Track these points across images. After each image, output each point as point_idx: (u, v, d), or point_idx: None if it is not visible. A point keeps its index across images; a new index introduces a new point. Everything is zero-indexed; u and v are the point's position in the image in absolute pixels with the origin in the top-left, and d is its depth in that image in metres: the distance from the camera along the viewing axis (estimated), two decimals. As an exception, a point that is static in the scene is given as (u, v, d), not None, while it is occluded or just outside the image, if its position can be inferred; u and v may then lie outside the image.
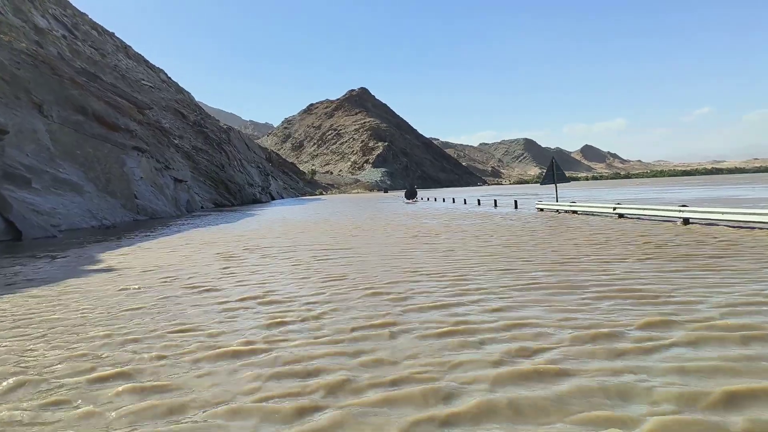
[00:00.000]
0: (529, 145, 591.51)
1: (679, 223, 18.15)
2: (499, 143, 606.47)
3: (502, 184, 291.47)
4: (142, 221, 36.44)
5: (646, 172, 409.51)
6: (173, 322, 7.37)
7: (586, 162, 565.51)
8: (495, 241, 15.96)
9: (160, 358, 5.76)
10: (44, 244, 21.45)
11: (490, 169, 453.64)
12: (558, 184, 30.93)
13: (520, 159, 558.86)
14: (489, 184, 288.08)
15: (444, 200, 58.60)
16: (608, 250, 12.76)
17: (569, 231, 17.94)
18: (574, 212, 26.89)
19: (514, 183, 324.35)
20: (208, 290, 9.85)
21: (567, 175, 32.09)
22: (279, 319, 7.28)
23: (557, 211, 28.85)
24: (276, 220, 33.69)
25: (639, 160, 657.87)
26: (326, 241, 18.34)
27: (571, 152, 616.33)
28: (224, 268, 12.65)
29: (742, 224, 16.11)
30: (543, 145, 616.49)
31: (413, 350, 5.66)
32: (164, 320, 7.53)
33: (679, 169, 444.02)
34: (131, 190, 38.48)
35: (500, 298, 8.01)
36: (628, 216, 22.28)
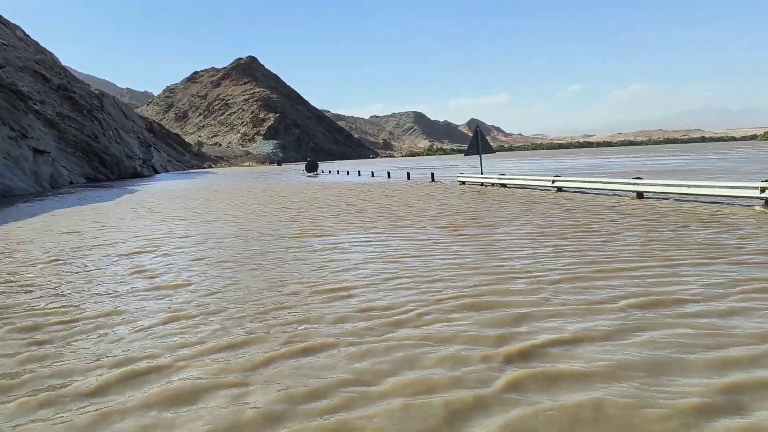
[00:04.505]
0: (419, 118, 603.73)
1: (632, 197, 16.78)
2: (390, 116, 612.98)
3: (393, 157, 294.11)
4: (-8, 202, 29.72)
5: (527, 145, 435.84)
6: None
7: (471, 135, 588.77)
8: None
9: None
10: None
11: (381, 141, 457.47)
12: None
13: (410, 132, 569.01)
14: (381, 157, 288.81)
15: (348, 173, 55.38)
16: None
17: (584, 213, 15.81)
18: (503, 185, 25.17)
19: (405, 155, 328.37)
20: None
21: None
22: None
23: (482, 184, 27.05)
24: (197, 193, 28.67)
25: (520, 134, 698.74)
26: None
27: (458, 125, 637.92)
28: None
29: (714, 199, 14.84)
30: (432, 119, 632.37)
31: None
32: None
33: (556, 142, 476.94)
34: (-24, 163, 31.32)
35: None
36: (568, 189, 20.78)
